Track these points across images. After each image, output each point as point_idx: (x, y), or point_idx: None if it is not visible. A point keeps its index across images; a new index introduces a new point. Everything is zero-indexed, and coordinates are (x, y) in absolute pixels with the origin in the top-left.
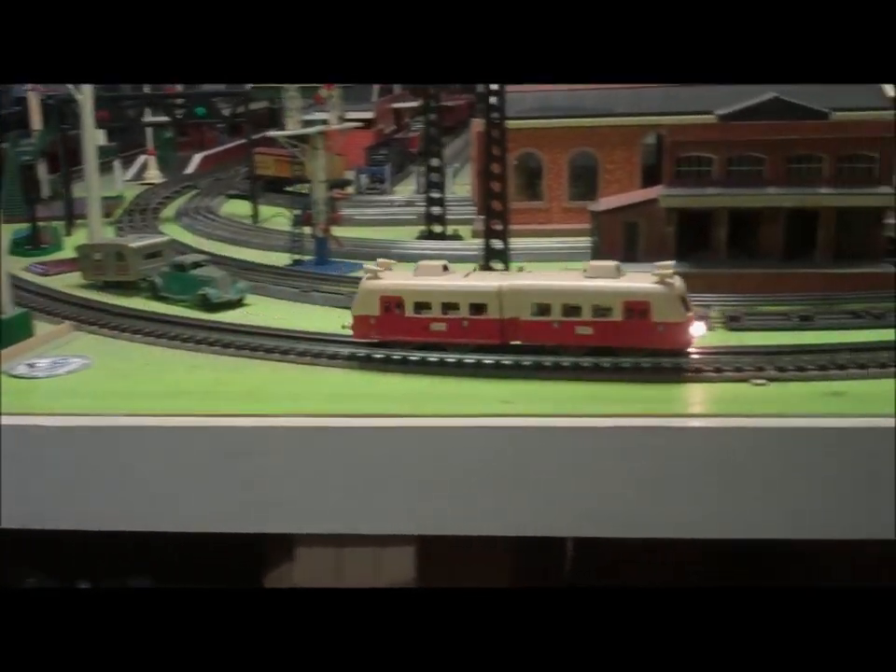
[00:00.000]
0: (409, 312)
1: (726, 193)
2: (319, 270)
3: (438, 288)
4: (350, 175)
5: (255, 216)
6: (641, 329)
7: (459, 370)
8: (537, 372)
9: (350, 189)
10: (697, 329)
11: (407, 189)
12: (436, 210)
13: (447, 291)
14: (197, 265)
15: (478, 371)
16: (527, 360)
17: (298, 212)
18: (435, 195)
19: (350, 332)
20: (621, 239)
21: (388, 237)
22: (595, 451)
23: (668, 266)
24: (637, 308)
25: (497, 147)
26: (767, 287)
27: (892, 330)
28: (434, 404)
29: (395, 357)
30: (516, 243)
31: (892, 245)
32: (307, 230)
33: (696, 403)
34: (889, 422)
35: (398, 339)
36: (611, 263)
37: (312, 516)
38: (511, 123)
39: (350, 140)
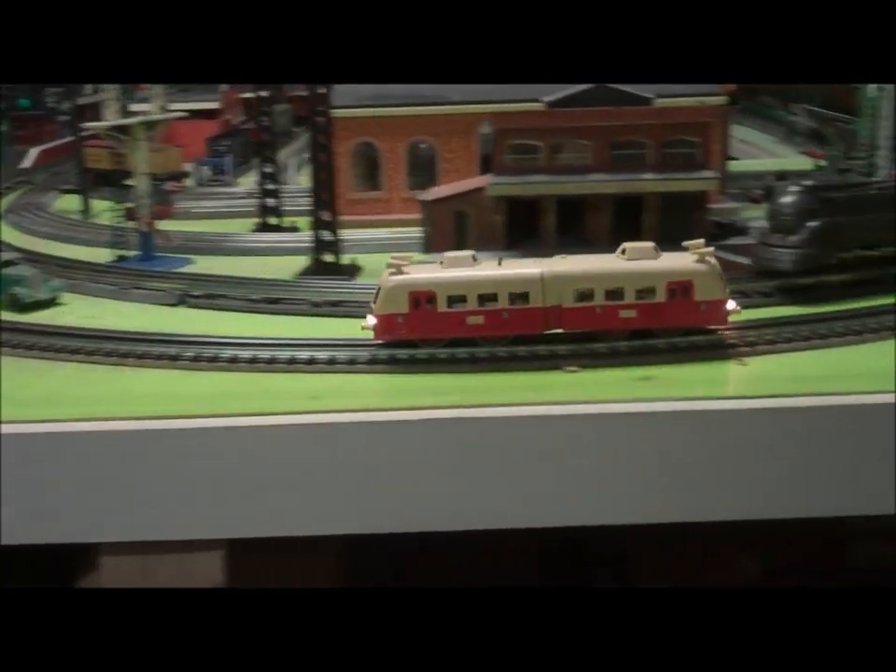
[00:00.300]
0: (442, 307)
1: (552, 181)
2: (143, 266)
3: (474, 279)
4: (191, 166)
5: (86, 210)
6: (684, 309)
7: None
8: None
9: (188, 182)
10: (731, 306)
11: (250, 181)
12: (271, 202)
13: (485, 282)
14: (8, 264)
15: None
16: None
17: (126, 206)
18: (270, 186)
19: (370, 334)
20: (451, 228)
21: (225, 230)
22: (408, 445)
23: (701, 244)
24: (679, 288)
25: (322, 136)
26: None
27: None
28: (241, 402)
29: (205, 354)
30: (354, 234)
31: (717, 228)
32: (132, 224)
33: (507, 391)
34: (695, 405)
35: (430, 336)
36: (649, 244)
37: (116, 523)
38: (346, 112)
39: (195, 131)
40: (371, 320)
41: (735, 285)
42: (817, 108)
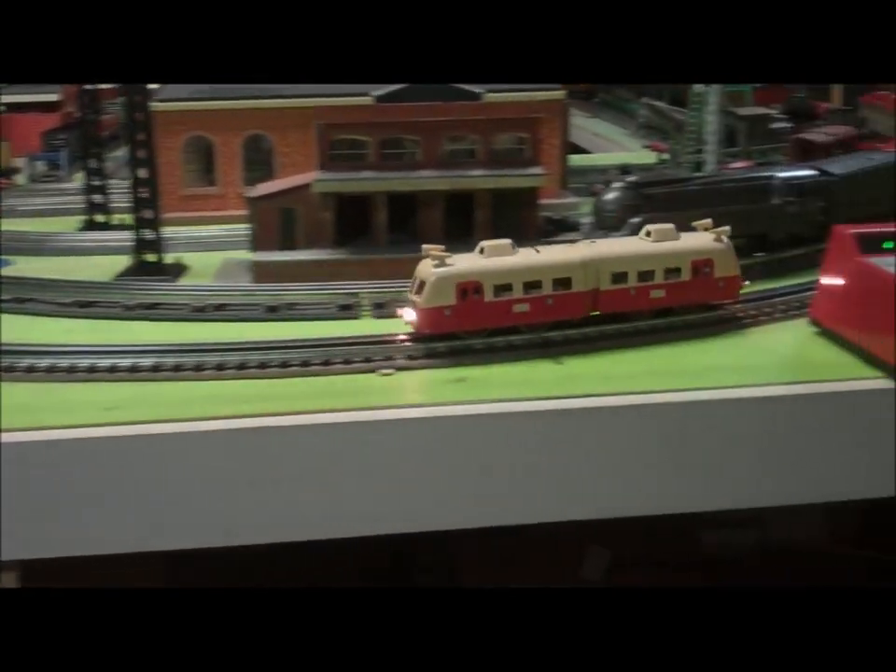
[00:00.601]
0: (488, 296)
1: (380, 177)
2: None
3: (520, 267)
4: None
5: None
6: (705, 286)
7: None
8: None
9: (19, 178)
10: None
11: None
12: (98, 198)
13: (531, 269)
14: None
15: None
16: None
17: None
18: (96, 182)
19: (410, 329)
20: (278, 225)
21: (51, 228)
22: (211, 456)
23: (708, 224)
24: (702, 265)
25: (141, 132)
26: None
27: None
28: (31, 415)
29: (20, 364)
30: (186, 231)
31: (549, 224)
32: None
33: (311, 397)
34: (510, 406)
35: (477, 327)
36: (669, 225)
37: None
38: (177, 105)
39: (33, 124)
40: (411, 314)
41: None
42: (657, 102)
